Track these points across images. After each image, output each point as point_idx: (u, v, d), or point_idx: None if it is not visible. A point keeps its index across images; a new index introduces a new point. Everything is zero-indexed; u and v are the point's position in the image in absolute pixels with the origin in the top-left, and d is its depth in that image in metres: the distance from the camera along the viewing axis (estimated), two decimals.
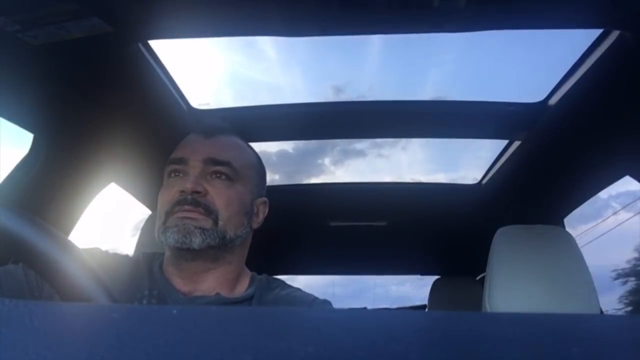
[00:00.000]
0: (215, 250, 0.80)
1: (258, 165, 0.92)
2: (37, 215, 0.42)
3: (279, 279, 0.91)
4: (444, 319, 0.27)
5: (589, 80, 1.06)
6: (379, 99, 1.38)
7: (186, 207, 0.78)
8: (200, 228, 0.78)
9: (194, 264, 0.81)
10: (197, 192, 0.79)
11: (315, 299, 0.86)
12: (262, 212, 0.90)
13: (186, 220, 0.78)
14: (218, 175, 0.82)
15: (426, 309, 2.42)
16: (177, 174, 0.83)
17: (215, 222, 0.79)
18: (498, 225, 1.20)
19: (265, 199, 0.91)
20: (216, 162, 0.82)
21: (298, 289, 0.87)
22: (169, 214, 0.79)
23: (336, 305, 0.90)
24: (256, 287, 0.84)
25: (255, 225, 0.89)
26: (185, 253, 0.79)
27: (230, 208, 0.81)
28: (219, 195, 0.81)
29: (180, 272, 0.82)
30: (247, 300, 0.82)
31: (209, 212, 0.79)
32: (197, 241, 0.77)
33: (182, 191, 0.79)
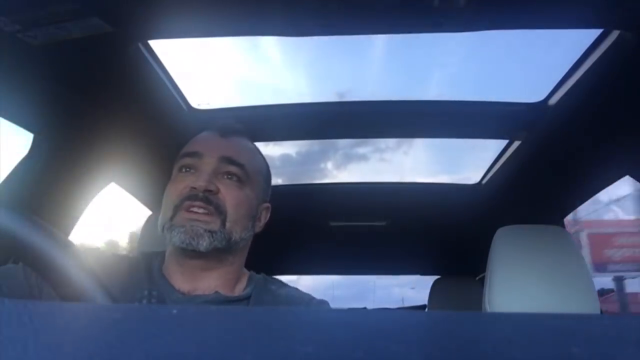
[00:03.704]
0: (220, 251, 0.80)
1: (266, 171, 0.93)
2: (37, 215, 0.42)
3: (276, 279, 0.91)
4: (444, 319, 0.27)
5: (589, 80, 1.06)
6: (381, 99, 1.37)
7: (197, 202, 0.78)
8: (209, 231, 0.77)
9: (197, 262, 0.81)
10: (209, 191, 0.79)
11: (312, 298, 0.86)
12: (265, 217, 0.91)
13: (195, 223, 0.77)
14: (230, 176, 0.82)
15: (426, 309, 2.43)
16: (188, 169, 0.83)
17: (223, 223, 0.79)
18: (498, 225, 1.20)
19: (268, 204, 0.92)
20: (231, 162, 0.83)
21: (295, 289, 0.88)
22: (177, 208, 0.79)
23: (336, 307, 0.90)
24: (254, 287, 0.85)
25: (257, 230, 0.89)
26: (190, 253, 0.79)
27: (239, 210, 0.81)
28: (230, 196, 0.81)
29: (182, 270, 0.82)
30: (245, 299, 0.83)
31: (219, 212, 0.79)
32: (204, 244, 0.77)
33: (194, 187, 0.79)
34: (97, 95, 1.12)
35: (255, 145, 0.93)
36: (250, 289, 0.84)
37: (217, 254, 0.80)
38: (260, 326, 0.25)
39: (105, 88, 1.10)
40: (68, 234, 1.27)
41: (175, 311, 0.25)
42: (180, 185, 0.81)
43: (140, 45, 1.01)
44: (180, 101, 1.26)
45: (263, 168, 0.92)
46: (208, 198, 0.79)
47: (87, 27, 0.88)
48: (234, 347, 0.22)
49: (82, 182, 1.26)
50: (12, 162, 1.12)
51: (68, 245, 0.41)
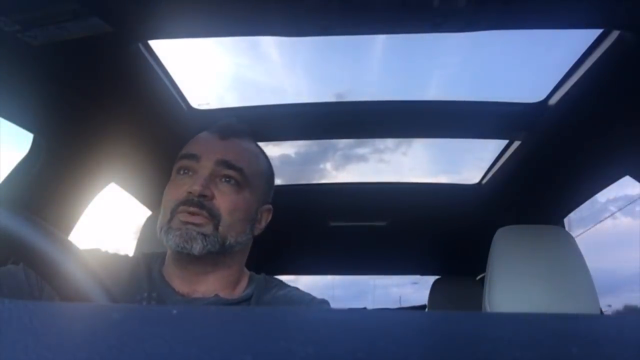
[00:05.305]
0: (215, 255, 0.80)
1: (268, 172, 0.91)
2: (37, 215, 0.42)
3: (277, 279, 0.91)
4: (444, 319, 0.27)
5: (589, 80, 1.06)
6: (380, 99, 1.37)
7: (191, 208, 0.78)
8: (202, 234, 0.77)
9: (194, 266, 0.81)
10: (204, 196, 0.79)
11: (313, 298, 0.86)
12: (265, 219, 0.90)
13: (189, 226, 0.77)
14: (227, 179, 0.82)
15: (426, 309, 2.43)
16: (186, 171, 0.83)
17: (216, 227, 0.79)
18: (498, 225, 1.20)
19: (270, 206, 0.91)
20: (228, 165, 0.82)
21: (296, 289, 0.87)
22: (174, 212, 0.79)
23: (336, 307, 0.90)
24: (255, 287, 0.85)
25: (257, 232, 0.88)
26: (185, 257, 0.79)
27: (234, 215, 0.81)
28: (225, 201, 0.80)
29: (181, 273, 0.82)
30: (245, 300, 0.82)
31: (212, 216, 0.79)
32: (197, 247, 0.77)
33: (190, 192, 0.79)
34: (97, 95, 1.12)
35: (257, 146, 0.92)
36: (250, 290, 0.84)
37: (213, 258, 0.80)
38: (260, 326, 0.25)
39: (105, 88, 1.10)
40: (68, 234, 1.27)
41: (175, 311, 0.25)
42: (177, 189, 0.81)
43: (140, 45, 1.01)
44: (180, 101, 1.26)
45: (265, 169, 0.90)
46: (202, 203, 0.78)
47: (87, 27, 0.88)
48: (234, 347, 0.22)
49: (82, 182, 1.27)
50: (12, 162, 1.12)
51: (68, 245, 0.41)
